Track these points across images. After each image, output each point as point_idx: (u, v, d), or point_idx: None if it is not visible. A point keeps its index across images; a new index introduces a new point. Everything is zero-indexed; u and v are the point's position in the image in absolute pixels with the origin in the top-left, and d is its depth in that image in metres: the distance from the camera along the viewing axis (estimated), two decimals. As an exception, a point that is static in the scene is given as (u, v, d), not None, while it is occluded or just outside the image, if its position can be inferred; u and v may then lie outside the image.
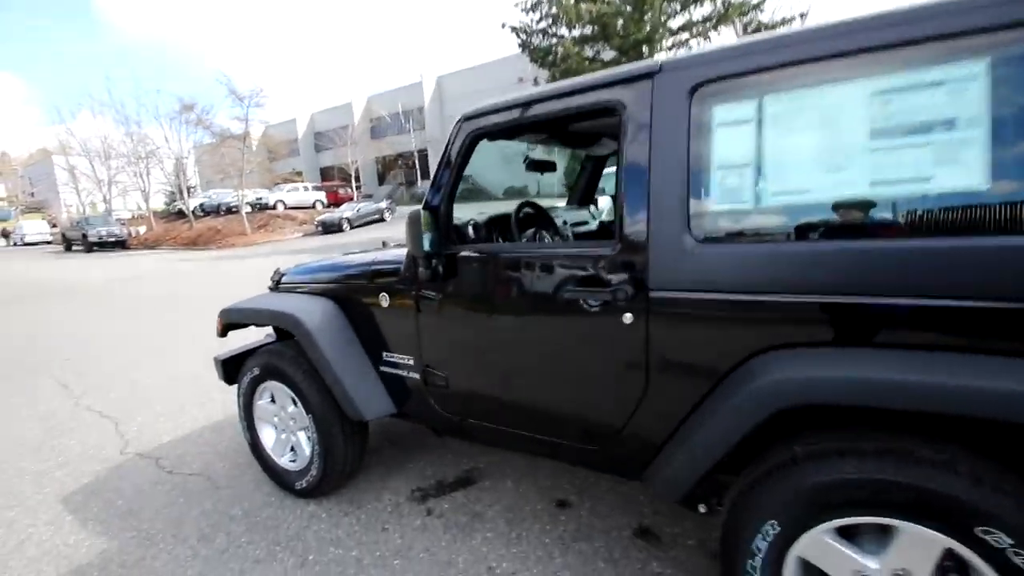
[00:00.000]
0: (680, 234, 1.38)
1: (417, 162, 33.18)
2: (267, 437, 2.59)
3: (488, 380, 1.91)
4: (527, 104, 1.71)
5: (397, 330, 2.11)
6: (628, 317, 1.49)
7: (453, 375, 1.98)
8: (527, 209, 2.39)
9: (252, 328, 2.76)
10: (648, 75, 1.44)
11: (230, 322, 2.60)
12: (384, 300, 2.11)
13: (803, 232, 1.28)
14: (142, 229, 27.35)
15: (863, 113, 1.18)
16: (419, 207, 1.82)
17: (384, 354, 2.18)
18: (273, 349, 2.43)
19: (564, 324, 1.65)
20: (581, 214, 3.02)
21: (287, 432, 2.52)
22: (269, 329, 2.72)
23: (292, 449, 2.52)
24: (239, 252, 18.47)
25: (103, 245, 24.37)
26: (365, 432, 2.41)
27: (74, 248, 25.74)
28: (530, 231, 2.31)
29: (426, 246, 1.80)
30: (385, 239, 2.68)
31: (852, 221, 1.22)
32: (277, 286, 2.65)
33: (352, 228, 21.86)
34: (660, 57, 1.46)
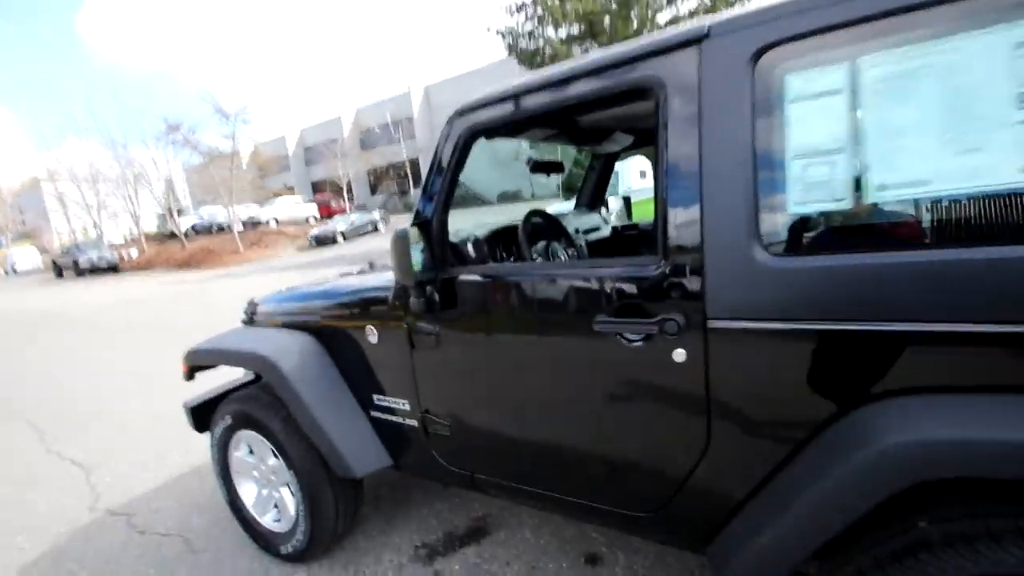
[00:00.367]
0: (747, 245, 1.05)
1: (409, 171, 32.88)
2: (247, 493, 2.26)
3: (501, 429, 1.58)
4: (533, 92, 1.38)
5: (388, 369, 1.78)
6: (680, 354, 1.16)
7: (457, 423, 1.65)
8: (536, 219, 2.06)
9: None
10: (694, 41, 1.12)
11: (196, 364, 2.26)
12: (371, 335, 1.78)
13: (925, 239, 0.96)
14: (134, 252, 26.97)
15: (1008, 73, 0.85)
16: (404, 227, 1.48)
17: (375, 397, 1.85)
18: (246, 394, 2.10)
19: (595, 363, 1.32)
20: (592, 219, 2.69)
21: (269, 488, 2.18)
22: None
23: (276, 506, 2.19)
24: (233, 271, 18.11)
25: (95, 271, 24.08)
26: (359, 487, 2.07)
27: (65, 275, 25.42)
28: (541, 245, 1.97)
29: (417, 272, 1.46)
30: (372, 260, 2.35)
31: (998, 221, 0.89)
32: (251, 319, 2.31)
33: (346, 240, 21.57)
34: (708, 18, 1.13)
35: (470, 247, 1.76)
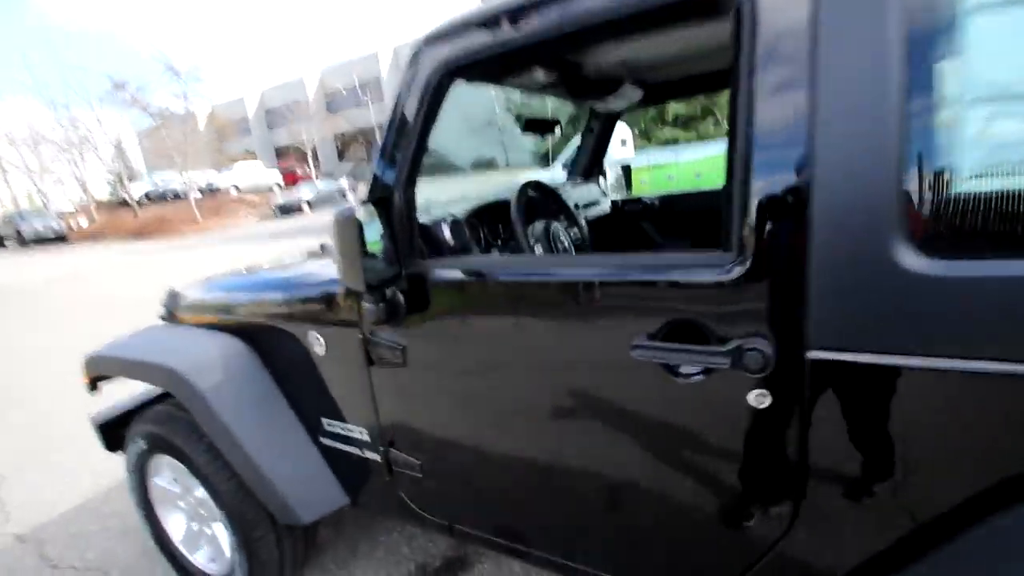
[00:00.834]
0: (885, 239, 0.68)
1: (377, 137, 31.53)
2: (175, 525, 1.85)
3: (489, 475, 1.21)
4: (534, 7, 0.95)
5: (340, 390, 1.38)
6: (759, 397, 0.79)
7: (432, 462, 1.26)
8: (531, 193, 1.64)
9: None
10: None
11: (99, 374, 1.80)
12: (316, 344, 1.36)
13: None
14: (83, 221, 25.42)
15: None
16: (351, 206, 1.04)
17: (325, 422, 1.44)
18: (162, 412, 1.66)
19: (630, 398, 0.95)
20: (589, 191, 2.28)
21: (199, 522, 1.77)
22: None
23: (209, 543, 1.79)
24: (190, 241, 17.17)
25: (40, 241, 22.76)
26: (312, 528, 1.68)
27: (8, 245, 23.93)
28: (539, 226, 1.55)
29: (371, 274, 1.04)
30: (324, 243, 1.90)
31: None
32: (171, 315, 1.86)
33: (313, 209, 20.70)
34: None
35: (446, 230, 1.33)
